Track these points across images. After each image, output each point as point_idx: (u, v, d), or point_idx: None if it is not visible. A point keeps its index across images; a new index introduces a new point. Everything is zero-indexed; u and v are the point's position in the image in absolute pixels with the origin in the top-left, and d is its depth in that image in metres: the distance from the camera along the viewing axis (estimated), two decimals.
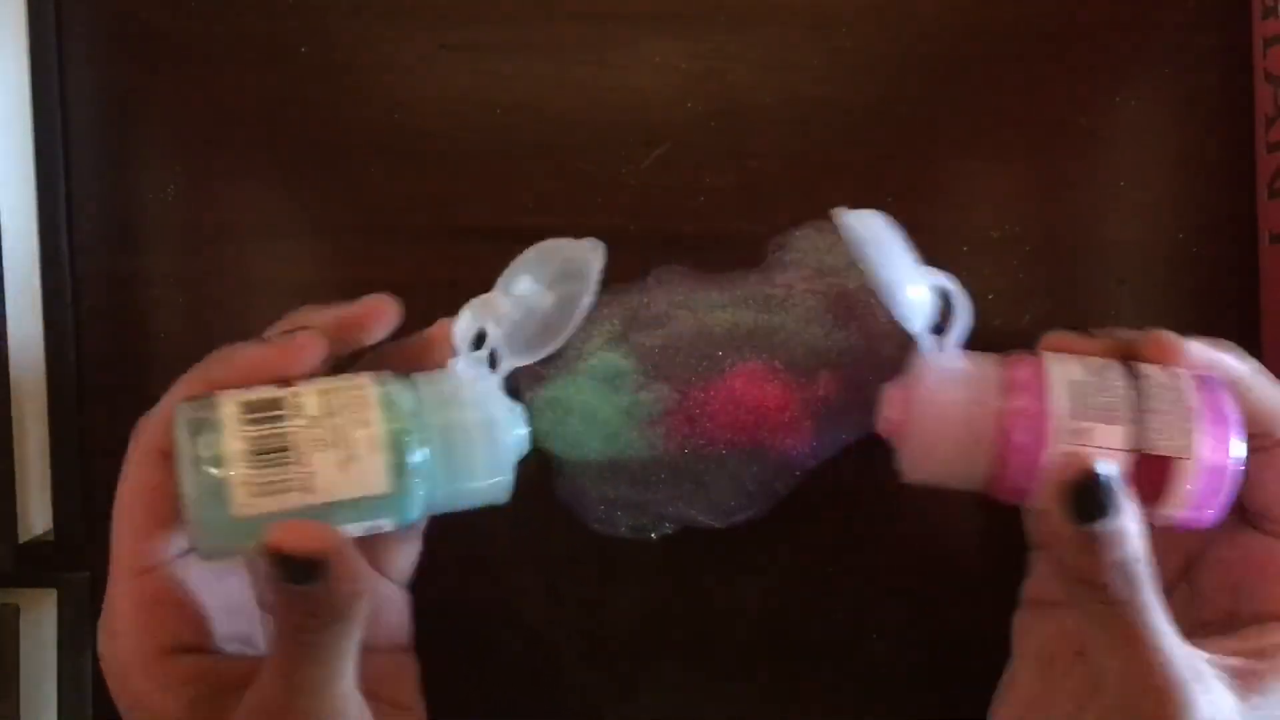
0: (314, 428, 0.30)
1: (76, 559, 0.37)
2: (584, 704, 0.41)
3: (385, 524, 0.31)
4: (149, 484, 0.31)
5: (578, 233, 0.41)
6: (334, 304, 0.34)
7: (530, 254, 0.34)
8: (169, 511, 0.31)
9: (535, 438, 0.41)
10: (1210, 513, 0.32)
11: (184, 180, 0.41)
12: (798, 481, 0.40)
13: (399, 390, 0.31)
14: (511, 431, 0.33)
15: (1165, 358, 0.33)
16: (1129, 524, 0.29)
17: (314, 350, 0.32)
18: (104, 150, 0.41)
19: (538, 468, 0.41)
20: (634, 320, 0.41)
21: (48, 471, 0.40)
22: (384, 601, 0.36)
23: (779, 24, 0.42)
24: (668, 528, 0.40)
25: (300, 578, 0.27)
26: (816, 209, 0.41)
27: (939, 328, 0.33)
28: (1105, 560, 0.29)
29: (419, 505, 0.31)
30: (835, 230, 0.41)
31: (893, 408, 0.34)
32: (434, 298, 0.41)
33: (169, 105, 0.41)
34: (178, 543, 0.32)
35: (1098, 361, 0.33)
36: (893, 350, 0.40)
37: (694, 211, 0.41)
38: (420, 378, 0.33)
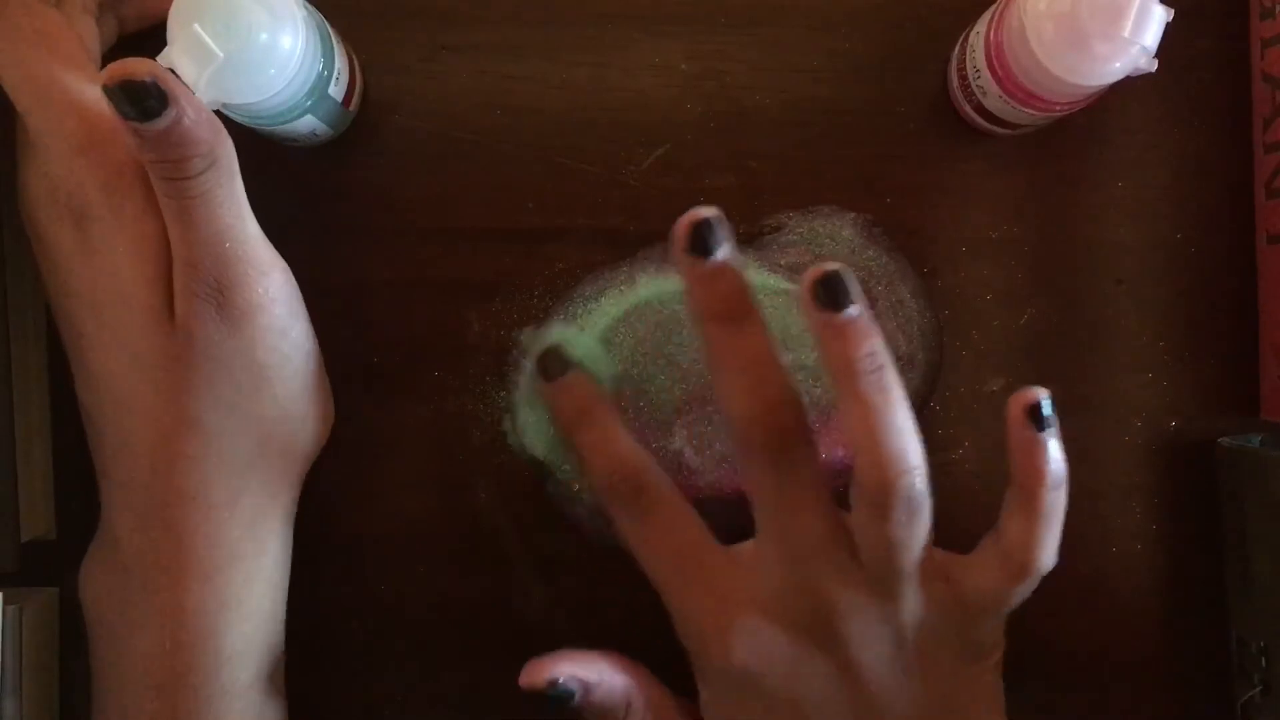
0: None
1: (79, 558, 0.37)
2: None
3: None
4: (53, 24, 0.34)
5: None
6: None
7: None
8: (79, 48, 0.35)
9: (518, 438, 0.40)
10: None
11: None
12: None
13: None
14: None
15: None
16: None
17: None
18: None
19: (539, 466, 0.41)
20: (621, 301, 0.40)
21: (50, 470, 0.40)
22: None
23: (779, 24, 0.42)
24: None
25: (143, 108, 0.30)
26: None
27: None
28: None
29: None
30: (831, 216, 0.41)
31: None
32: (434, 298, 0.42)
33: None
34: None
35: None
36: (900, 349, 0.40)
37: None
38: None
